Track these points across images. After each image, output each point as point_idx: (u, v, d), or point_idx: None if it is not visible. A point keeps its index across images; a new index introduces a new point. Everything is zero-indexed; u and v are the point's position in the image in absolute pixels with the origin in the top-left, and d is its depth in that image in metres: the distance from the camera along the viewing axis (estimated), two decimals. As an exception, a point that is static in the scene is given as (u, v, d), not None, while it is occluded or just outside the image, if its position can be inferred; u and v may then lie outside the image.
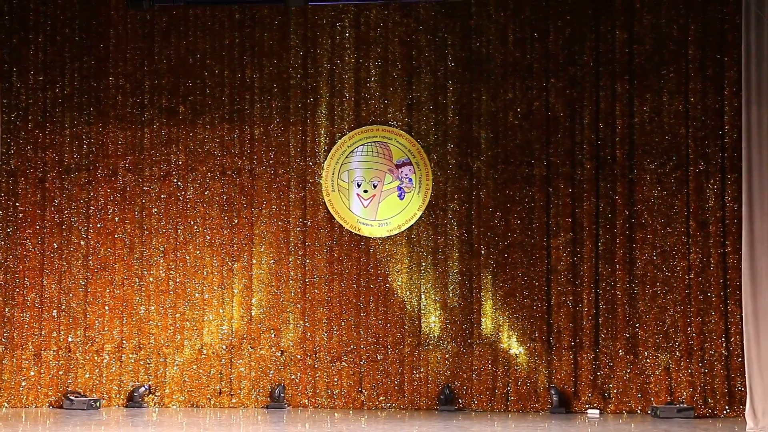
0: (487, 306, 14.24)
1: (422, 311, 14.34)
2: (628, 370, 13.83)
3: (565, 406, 13.75)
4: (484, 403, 14.06)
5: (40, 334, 14.47)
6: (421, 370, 14.21)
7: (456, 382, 14.15)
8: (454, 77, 14.56)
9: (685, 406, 13.42)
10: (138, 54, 14.82)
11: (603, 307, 13.99)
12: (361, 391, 14.29)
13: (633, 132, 14.12)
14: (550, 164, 14.25)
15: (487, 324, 14.21)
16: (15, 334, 14.45)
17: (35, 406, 14.30)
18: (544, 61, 14.36)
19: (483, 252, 14.27)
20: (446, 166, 14.52)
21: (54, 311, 14.51)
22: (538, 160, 14.29)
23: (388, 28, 14.69)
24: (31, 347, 14.45)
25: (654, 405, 13.56)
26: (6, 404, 14.26)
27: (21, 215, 14.62)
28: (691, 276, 13.85)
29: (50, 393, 14.40)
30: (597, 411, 13.71)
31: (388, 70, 14.65)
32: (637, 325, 13.90)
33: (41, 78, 14.73)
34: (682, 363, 13.75)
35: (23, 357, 14.41)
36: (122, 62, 14.80)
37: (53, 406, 14.30)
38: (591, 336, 13.95)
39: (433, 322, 14.32)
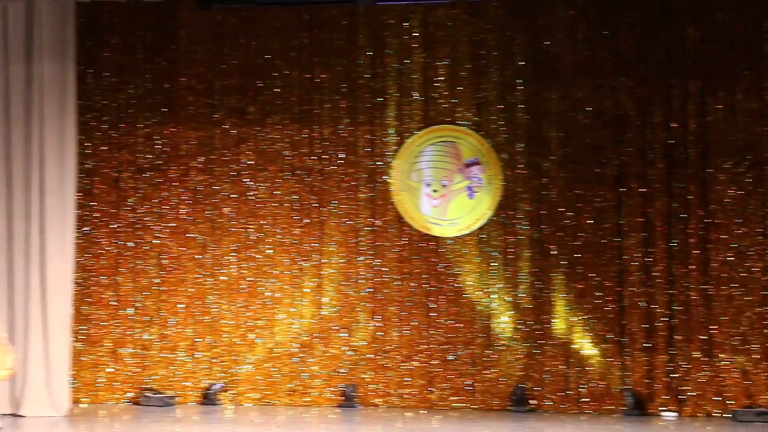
0: (559, 306, 14.16)
1: (493, 311, 14.29)
2: (705, 373, 13.66)
3: (640, 408, 13.63)
4: (557, 405, 13.99)
5: (117, 331, 14.64)
6: (493, 370, 14.17)
7: (528, 383, 14.10)
8: (523, 76, 14.46)
9: (764, 410, 13.23)
10: (208, 55, 14.88)
11: (677, 308, 13.82)
12: (432, 391, 14.27)
13: (706, 131, 13.93)
14: (621, 163, 14.11)
15: (559, 325, 14.14)
16: (92, 332, 14.61)
17: (114, 402, 14.47)
18: (614, 59, 14.21)
19: (554, 252, 14.18)
20: (516, 166, 14.44)
21: (129, 309, 14.66)
22: (608, 160, 14.15)
23: (456, 28, 14.63)
24: (108, 344, 14.62)
25: (732, 408, 13.40)
26: (85, 400, 14.42)
27: (97, 214, 14.78)
28: (768, 277, 13.71)
29: (127, 389, 14.56)
30: (673, 414, 13.57)
31: (457, 69, 14.60)
32: (713, 327, 13.73)
33: (115, 79, 14.86)
34: (760, 365, 13.58)
35: (100, 354, 14.58)
36: (193, 63, 14.89)
37: (130, 403, 14.45)
38: (665, 337, 13.80)
39: (504, 322, 14.26)
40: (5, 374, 12.03)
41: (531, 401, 14.01)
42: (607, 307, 13.94)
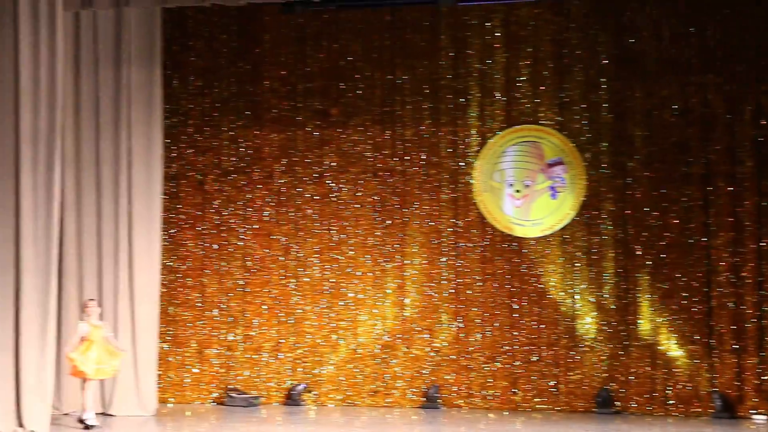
0: (644, 307, 13.95)
1: (577, 312, 14.14)
2: (796, 374, 13.40)
3: (729, 410, 13.36)
4: (643, 407, 13.77)
5: (202, 332, 14.84)
6: (577, 371, 14.03)
7: (613, 385, 13.90)
8: (607, 75, 14.29)
9: None
10: (291, 58, 15.01)
11: (767, 309, 13.55)
12: (515, 393, 14.19)
13: (799, 126, 13.66)
14: (708, 162, 13.85)
15: (644, 326, 13.92)
16: (179, 333, 14.84)
17: (199, 402, 14.66)
18: (701, 56, 13.97)
19: (639, 252, 13.97)
20: (599, 165, 14.27)
21: (215, 310, 14.85)
22: (695, 159, 13.91)
23: (539, 27, 14.52)
24: (194, 345, 14.83)
25: (829, 409, 13.13)
26: (171, 400, 14.65)
27: (183, 217, 15.00)
28: None
29: (213, 389, 14.74)
30: (764, 416, 13.27)
31: (539, 68, 14.49)
32: (806, 328, 13.45)
33: (200, 83, 15.08)
34: None
35: (187, 354, 14.80)
36: (276, 66, 15.03)
37: (215, 403, 14.62)
38: (755, 339, 13.50)
39: (588, 323, 14.10)
40: (111, 373, 12.35)
41: (616, 403, 13.84)
42: (695, 308, 13.70)
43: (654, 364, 13.83)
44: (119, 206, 13.78)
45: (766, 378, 13.47)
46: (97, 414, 12.71)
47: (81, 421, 12.23)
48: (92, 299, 12.85)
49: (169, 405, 14.44)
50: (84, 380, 12.26)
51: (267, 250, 14.86)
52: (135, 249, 13.75)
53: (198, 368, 14.77)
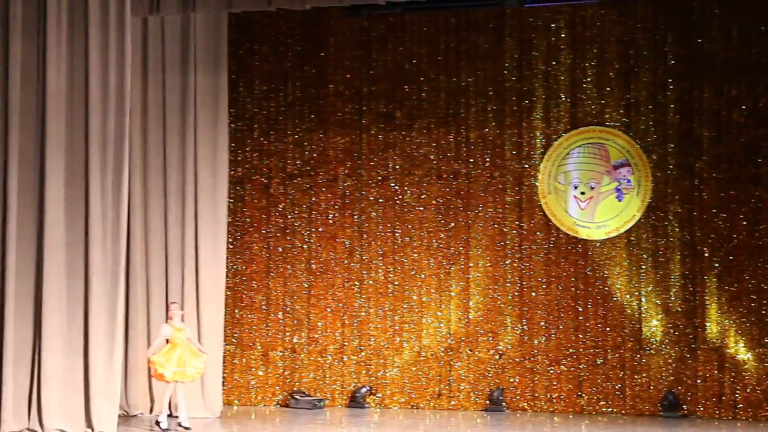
0: (712, 310, 13.81)
1: (643, 315, 14.06)
2: None
3: None
4: (711, 411, 13.64)
5: (267, 335, 15.01)
6: (643, 375, 13.94)
7: (680, 388, 13.78)
8: (673, 75, 14.21)
9: None
10: (356, 61, 15.14)
11: (837, 311, 13.36)
12: (581, 396, 14.14)
13: None
14: (778, 163, 13.73)
15: (712, 328, 13.78)
16: (244, 335, 15.03)
17: (263, 405, 14.84)
18: (770, 55, 13.86)
19: (706, 254, 13.87)
20: (666, 167, 14.18)
21: (279, 313, 15.01)
22: (764, 159, 13.77)
23: (605, 27, 14.48)
24: (259, 347, 15.00)
25: None
26: (236, 402, 14.86)
27: (248, 220, 15.19)
28: None
29: (277, 392, 14.91)
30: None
31: (605, 70, 14.45)
32: None
33: (265, 87, 15.27)
34: None
35: (252, 357, 14.98)
36: (341, 70, 15.17)
37: (280, 405, 14.79)
38: (826, 340, 13.38)
39: (654, 326, 14.01)
40: (197, 375, 12.44)
41: (683, 407, 13.71)
42: (764, 310, 13.54)
43: (722, 367, 13.68)
44: (185, 210, 13.94)
45: None
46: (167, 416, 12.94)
47: (157, 422, 12.39)
48: (174, 302, 12.99)
49: (234, 407, 14.65)
50: (165, 383, 12.36)
51: (331, 253, 15.00)
52: (201, 252, 13.89)
53: (263, 371, 14.94)
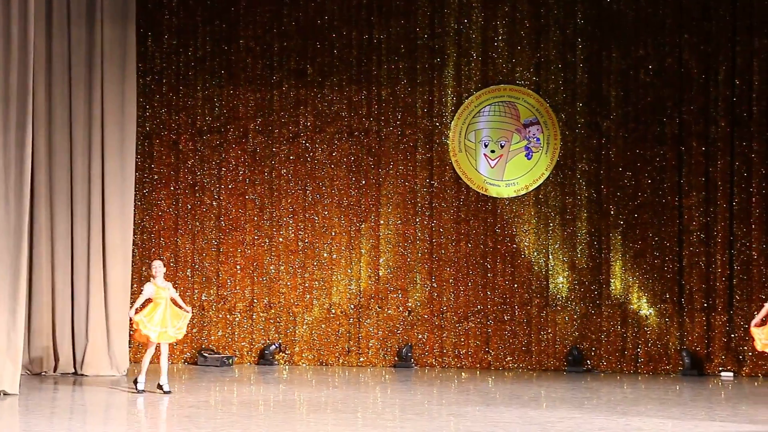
0: (617, 267, 14.22)
1: (550, 272, 14.42)
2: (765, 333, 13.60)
3: (698, 368, 13.70)
4: (613, 365, 14.10)
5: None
6: (549, 331, 14.32)
7: (584, 344, 14.21)
8: (583, 35, 14.49)
9: (825, 368, 13.23)
10: (267, 17, 15.13)
11: (737, 268, 13.84)
12: (488, 352, 14.48)
13: (771, 87, 13.84)
14: (682, 122, 14.10)
15: (616, 285, 14.20)
16: (151, 293, 15.04)
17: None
18: (677, 16, 14.17)
19: (612, 212, 14.25)
20: (575, 126, 14.49)
21: (188, 270, 15.08)
22: (670, 119, 14.14)
23: (516, -14, 14.70)
24: (166, 305, 15.03)
25: (791, 368, 13.43)
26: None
27: (156, 177, 15.18)
28: (831, 236, 13.62)
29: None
30: (731, 374, 13.58)
31: (516, 28, 14.67)
32: (774, 286, 13.73)
33: (175, 42, 15.20)
34: (820, 325, 13.52)
35: (159, 314, 15.01)
36: (252, 25, 15.15)
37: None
38: (724, 298, 13.83)
39: (560, 282, 14.38)
40: (179, 335, 11.85)
41: (587, 362, 14.15)
42: (666, 267, 13.99)
43: (624, 322, 14.14)
44: (92, 166, 13.81)
45: (734, 336, 13.78)
46: (68, 374, 12.87)
47: (135, 381, 11.94)
48: (160, 259, 12.62)
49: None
50: (147, 343, 11.92)
51: (241, 210, 15.06)
52: (107, 209, 13.79)
53: (171, 328, 14.99)
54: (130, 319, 12.09)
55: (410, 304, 14.70)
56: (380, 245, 14.82)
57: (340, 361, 14.77)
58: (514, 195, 14.60)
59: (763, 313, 10.51)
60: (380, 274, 14.81)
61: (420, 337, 14.64)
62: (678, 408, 10.65)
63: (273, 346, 14.76)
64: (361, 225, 14.90)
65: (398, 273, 14.76)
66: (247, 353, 14.92)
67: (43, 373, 13.40)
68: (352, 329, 14.79)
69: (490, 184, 14.67)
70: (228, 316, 14.96)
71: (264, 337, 14.93)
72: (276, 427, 9.41)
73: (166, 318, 11.75)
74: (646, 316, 14.03)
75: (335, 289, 14.87)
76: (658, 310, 14.05)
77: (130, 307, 12.37)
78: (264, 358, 14.73)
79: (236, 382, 13.02)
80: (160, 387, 11.79)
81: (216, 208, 15.10)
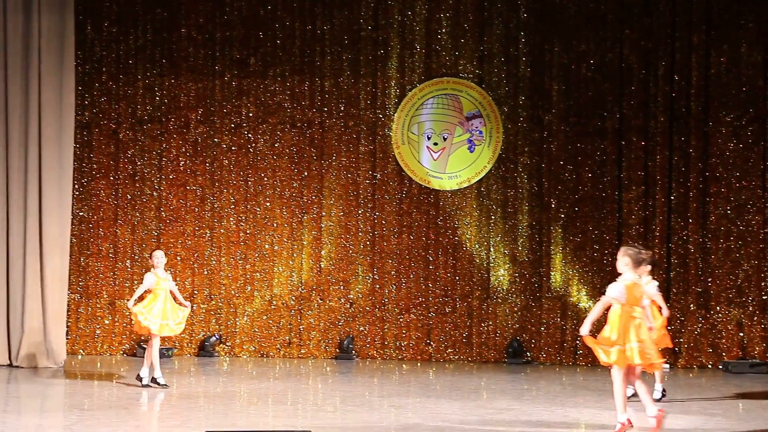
0: (557, 260, 14.43)
1: (491, 264, 14.59)
2: (700, 325, 14.00)
3: (635, 360, 13.91)
4: (553, 357, 14.32)
5: (114, 283, 15.00)
6: (490, 323, 14.50)
7: (524, 336, 14.40)
8: (526, 28, 14.65)
9: (758, 361, 13.52)
10: (210, 6, 15.08)
11: (675, 261, 14.12)
12: (429, 344, 14.62)
13: (709, 84, 14.12)
14: (623, 117, 14.33)
15: (556, 278, 14.41)
16: (90, 284, 14.99)
17: (109, 354, 14.88)
18: (618, 11, 14.40)
19: (553, 205, 14.45)
20: (517, 119, 14.66)
21: (127, 261, 15.01)
22: (610, 113, 14.37)
23: (460, -22, 14.80)
24: (105, 296, 14.99)
25: (725, 360, 13.71)
26: (81, 352, 14.87)
27: (95, 166, 15.08)
28: (767, 230, 13.89)
29: (124, 341, 14.94)
30: (667, 365, 13.81)
31: (460, 21, 14.79)
32: (710, 279, 14.02)
33: (114, 30, 15.09)
34: (755, 318, 13.84)
35: (98, 306, 14.96)
36: (194, 14, 15.09)
37: (127, 354, 14.84)
38: (662, 290, 13.94)
39: (501, 275, 14.56)
40: (178, 329, 11.61)
41: (527, 353, 14.34)
42: (605, 260, 14.17)
43: (564, 315, 14.36)
44: (29, 156, 13.65)
45: (670, 329, 13.96)
46: (4, 366, 12.75)
47: (154, 380, 11.54)
48: (159, 249, 12.32)
49: (79, 356, 14.64)
50: (148, 336, 11.62)
51: (182, 201, 15.03)
52: (45, 199, 13.64)
53: (109, 320, 14.96)
54: (129, 311, 11.69)
55: (352, 296, 14.79)
56: (322, 237, 14.88)
57: (281, 352, 14.81)
58: (457, 188, 14.74)
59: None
60: (322, 265, 14.87)
61: (361, 329, 14.74)
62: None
63: (213, 338, 14.78)
64: (303, 216, 14.94)
65: (340, 265, 14.84)
66: (187, 345, 14.91)
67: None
68: (293, 321, 14.85)
69: (433, 176, 14.78)
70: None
71: (204, 328, 14.94)
72: (216, 419, 9.41)
73: (166, 310, 11.41)
74: (585, 308, 14.22)
75: (276, 280, 14.90)
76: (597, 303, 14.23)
77: (128, 299, 12.09)
78: (204, 350, 14.74)
79: (176, 374, 12.99)
80: (155, 382, 11.49)
81: (156, 199, 15.06)
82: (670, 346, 11.01)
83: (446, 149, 14.81)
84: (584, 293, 14.33)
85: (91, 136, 15.08)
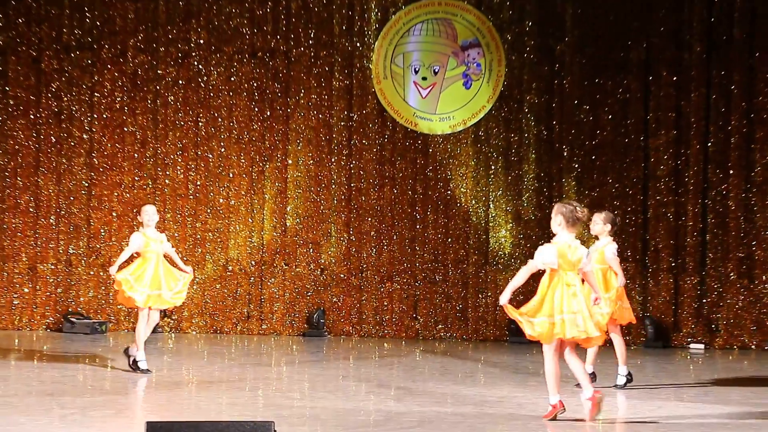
0: (570, 218, 14.30)
1: (491, 224, 14.50)
2: (741, 298, 13.89)
3: (663, 339, 13.87)
4: (564, 334, 14.20)
5: (36, 244, 14.85)
6: (489, 293, 14.39)
7: (530, 309, 14.28)
8: (534, -61, 14.52)
9: (810, 342, 13.55)
10: None
11: (712, 221, 14.02)
12: (415, 318, 14.57)
13: (755, 5, 13.91)
14: (650, 47, 14.17)
15: (569, 239, 14.29)
16: (6, 244, 14.84)
17: (29, 329, 14.75)
18: (641, -77, 14.27)
19: (566, 154, 14.33)
20: (522, 49, 14.50)
21: (52, 217, 14.84)
22: (635, 42, 14.19)
23: None
24: (25, 259, 14.85)
25: (773, 340, 13.70)
26: (-4, 325, 14.77)
27: (12, 102, 14.89)
28: (823, 184, 13.84)
29: (47, 314, 14.80)
30: (701, 346, 13.79)
31: (454, -72, 14.64)
32: (754, 243, 13.91)
33: (35, -63, 14.91)
34: (807, 290, 13.84)
35: (15, 271, 14.82)
36: None
37: (51, 329, 14.72)
38: (696, 256, 14.01)
39: (503, 236, 14.47)
40: (177, 301, 11.26)
41: (533, 331, 14.25)
42: (628, 219, 14.06)
43: (578, 284, 14.23)
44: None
45: (706, 302, 13.96)
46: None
47: (135, 362, 11.02)
48: (151, 204, 11.72)
49: (-6, 331, 14.52)
50: (135, 309, 11.26)
51: (118, 145, 14.86)
52: (-49, 140, 13.63)
53: (29, 288, 14.83)
54: (113, 278, 11.09)
55: (323, 261, 14.71)
56: (288, 190, 14.76)
57: (238, 328, 14.74)
58: (450, 131, 14.61)
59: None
60: (287, 224, 14.76)
61: (334, 300, 14.68)
62: (639, 385, 10.64)
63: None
64: (265, 165, 14.81)
65: (309, 223, 14.73)
66: (124, 318, 14.77)
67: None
68: (252, 290, 14.77)
69: (421, 117, 14.64)
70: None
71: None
72: (158, 407, 9.24)
73: (158, 277, 10.94)
74: (603, 276, 14.14)
75: (233, 242, 14.80)
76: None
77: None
78: (145, 325, 14.57)
79: (110, 352, 12.87)
80: (135, 365, 11.03)
81: (87, 143, 14.88)
82: (634, 321, 10.93)
83: (437, 85, 14.68)
84: (602, 258, 14.20)
85: (7, 65, 14.88)
